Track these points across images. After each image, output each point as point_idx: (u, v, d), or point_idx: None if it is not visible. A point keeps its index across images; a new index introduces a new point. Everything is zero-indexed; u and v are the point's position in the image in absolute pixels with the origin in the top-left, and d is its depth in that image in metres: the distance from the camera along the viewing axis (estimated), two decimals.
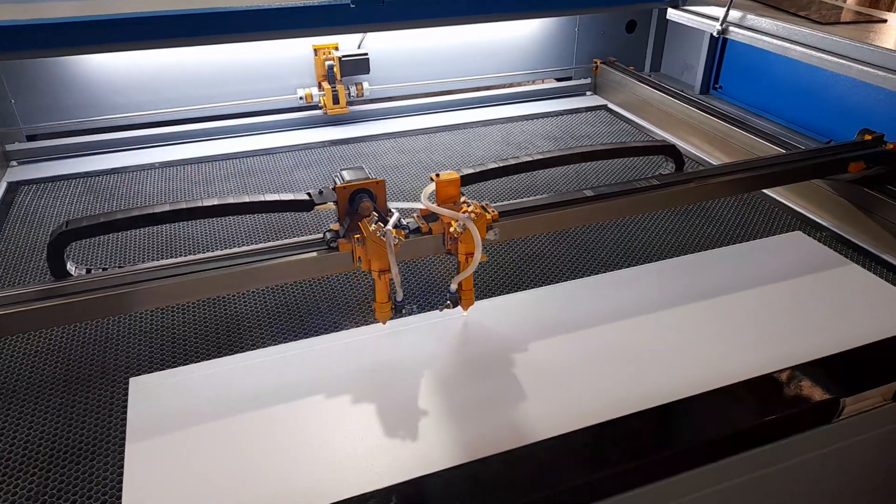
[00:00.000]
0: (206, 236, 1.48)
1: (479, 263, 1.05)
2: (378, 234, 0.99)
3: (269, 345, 1.14)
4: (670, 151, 1.38)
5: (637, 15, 2.38)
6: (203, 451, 0.92)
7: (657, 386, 1.01)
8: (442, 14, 1.82)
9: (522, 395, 1.01)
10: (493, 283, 1.29)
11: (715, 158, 1.80)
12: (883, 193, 1.38)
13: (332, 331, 1.17)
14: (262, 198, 1.06)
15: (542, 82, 2.46)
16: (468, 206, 1.05)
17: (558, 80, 2.45)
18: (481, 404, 0.99)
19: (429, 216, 1.09)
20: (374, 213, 1.03)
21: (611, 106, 2.26)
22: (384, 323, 1.10)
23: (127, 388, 1.04)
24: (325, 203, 1.05)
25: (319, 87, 2.07)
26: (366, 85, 2.10)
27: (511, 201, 1.18)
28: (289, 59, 2.05)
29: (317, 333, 1.16)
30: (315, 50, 2.03)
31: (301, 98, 2.07)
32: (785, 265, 1.33)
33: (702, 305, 1.21)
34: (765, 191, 1.58)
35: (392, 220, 1.01)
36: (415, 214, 1.11)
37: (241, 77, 2.04)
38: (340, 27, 1.75)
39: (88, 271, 1.07)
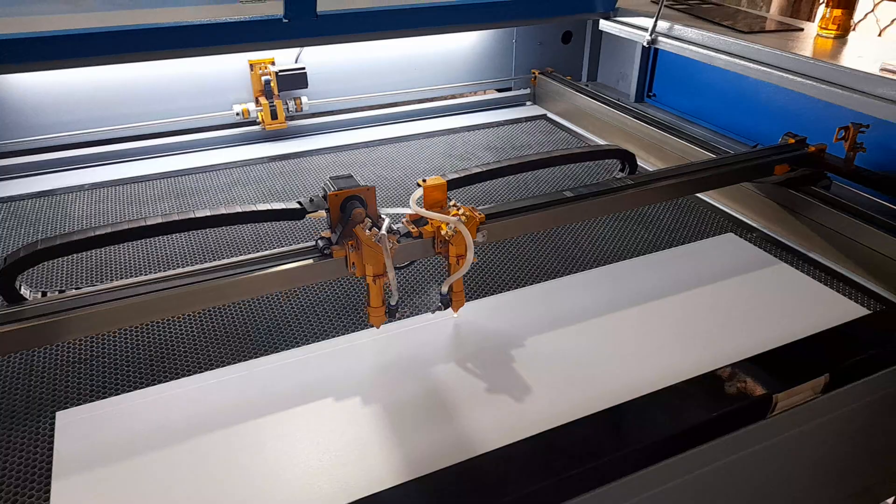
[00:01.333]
0: (135, 258, 1.43)
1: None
2: (374, 240, 0.99)
3: (207, 370, 1.10)
4: (625, 155, 1.43)
5: (572, 26, 2.43)
6: (137, 486, 0.88)
7: (601, 391, 1.03)
8: (377, 28, 1.82)
9: (482, 404, 1.01)
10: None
11: (650, 164, 1.85)
12: (807, 194, 1.44)
13: (273, 351, 1.14)
14: (253, 207, 1.06)
15: (485, 93, 2.48)
16: (458, 209, 1.07)
17: (498, 90, 2.48)
18: (438, 415, 0.99)
19: (418, 220, 1.10)
20: (367, 218, 1.03)
21: (550, 115, 2.30)
22: (378, 327, 1.10)
23: (53, 423, 0.99)
24: (317, 211, 1.06)
25: (257, 102, 2.04)
26: (304, 99, 2.07)
27: (494, 204, 1.21)
28: (224, 75, 2.01)
29: (257, 355, 1.13)
30: (251, 65, 2.00)
31: (238, 114, 2.03)
32: (719, 266, 1.38)
33: (641, 309, 1.24)
34: (698, 194, 1.63)
35: (385, 225, 1.02)
36: (403, 219, 1.12)
37: (175, 94, 1.99)
38: (275, 42, 1.73)
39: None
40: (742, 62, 1.60)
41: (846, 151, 1.47)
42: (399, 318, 1.13)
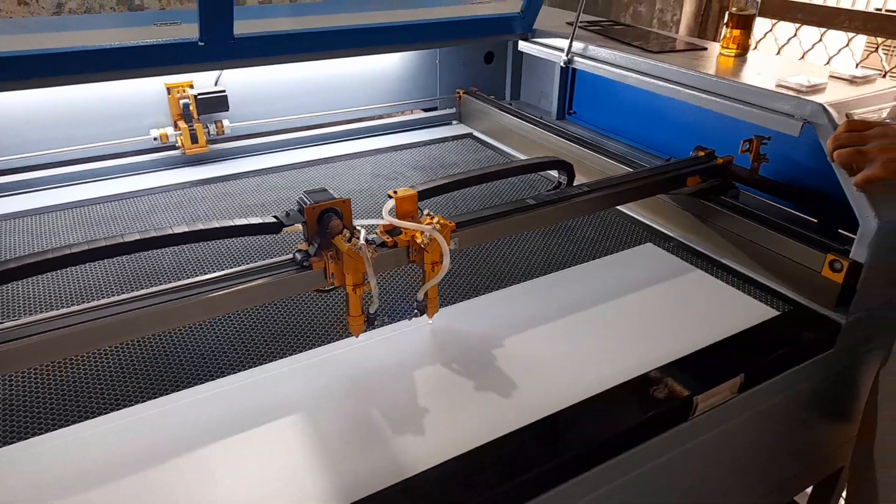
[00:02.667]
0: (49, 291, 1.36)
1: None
2: (355, 249, 1.01)
3: (121, 408, 1.05)
4: (563, 166, 1.50)
5: (494, 47, 2.48)
6: None
7: (534, 401, 1.04)
8: (297, 50, 1.80)
9: (414, 422, 1.01)
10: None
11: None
12: (717, 204, 1.51)
13: (192, 385, 1.10)
14: (230, 223, 1.07)
15: (412, 113, 2.50)
16: (431, 217, 1.11)
17: (424, 110, 2.50)
18: (370, 437, 0.97)
19: (392, 230, 1.13)
20: (346, 230, 1.05)
21: (476, 134, 2.34)
22: (357, 336, 1.12)
23: None
24: (293, 225, 1.07)
25: (175, 126, 1.98)
26: (226, 122, 2.03)
27: (462, 213, 1.25)
28: (139, 99, 1.94)
29: (177, 388, 1.09)
30: (168, 88, 1.95)
31: (156, 139, 1.96)
32: (640, 275, 1.43)
33: (568, 320, 1.27)
34: (618, 207, 1.69)
35: (362, 236, 1.05)
36: (376, 230, 1.13)
37: (86, 119, 1.90)
38: (192, 65, 1.69)
39: None
40: (652, 80, 1.68)
41: (751, 162, 1.56)
42: (377, 326, 1.16)
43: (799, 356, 1.23)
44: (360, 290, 1.07)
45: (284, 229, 1.08)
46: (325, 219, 1.05)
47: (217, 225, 1.06)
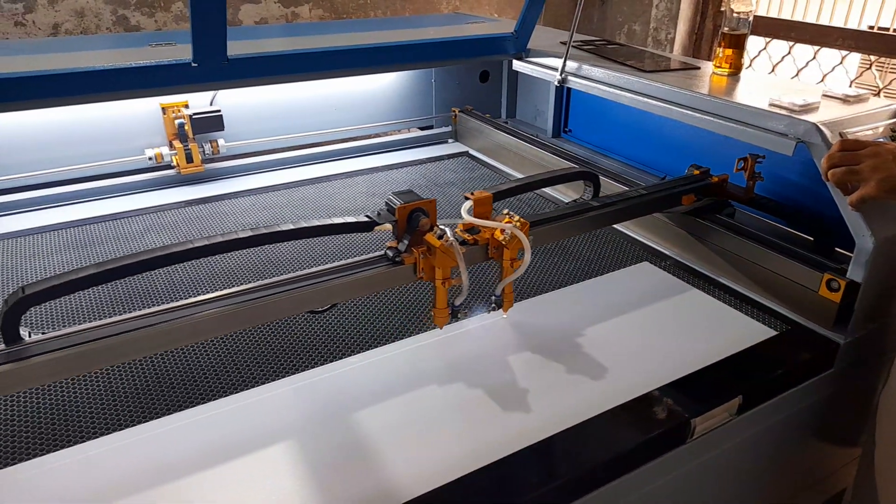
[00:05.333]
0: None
1: None
2: (447, 245, 1.09)
3: (110, 432, 1.03)
4: (589, 177, 1.55)
5: (488, 66, 2.50)
6: None
7: (529, 424, 1.03)
8: (290, 71, 1.81)
9: (403, 445, 0.99)
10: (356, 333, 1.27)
11: (567, 197, 1.90)
12: (712, 222, 1.51)
13: (183, 408, 1.08)
14: (328, 221, 1.16)
15: (408, 131, 2.51)
16: (511, 217, 1.16)
17: (421, 128, 2.51)
18: (363, 460, 0.96)
19: (470, 229, 1.19)
20: (436, 227, 1.11)
21: (472, 152, 2.34)
22: (441, 328, 1.20)
23: None
24: (384, 224, 1.15)
25: (170, 146, 1.98)
26: (221, 142, 2.03)
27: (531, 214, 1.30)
28: (134, 119, 1.95)
29: (168, 412, 1.07)
30: (163, 108, 1.95)
31: (150, 158, 1.96)
32: (637, 294, 1.42)
33: (565, 340, 1.26)
34: (614, 226, 1.68)
35: (449, 233, 1.11)
36: (456, 229, 1.19)
37: (81, 139, 1.90)
38: (185, 86, 1.69)
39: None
40: (645, 99, 1.68)
41: (746, 181, 1.56)
42: (460, 319, 1.21)
43: (797, 377, 1.22)
44: (449, 283, 1.13)
45: (376, 228, 1.16)
46: (413, 218, 1.11)
47: (317, 223, 1.15)
